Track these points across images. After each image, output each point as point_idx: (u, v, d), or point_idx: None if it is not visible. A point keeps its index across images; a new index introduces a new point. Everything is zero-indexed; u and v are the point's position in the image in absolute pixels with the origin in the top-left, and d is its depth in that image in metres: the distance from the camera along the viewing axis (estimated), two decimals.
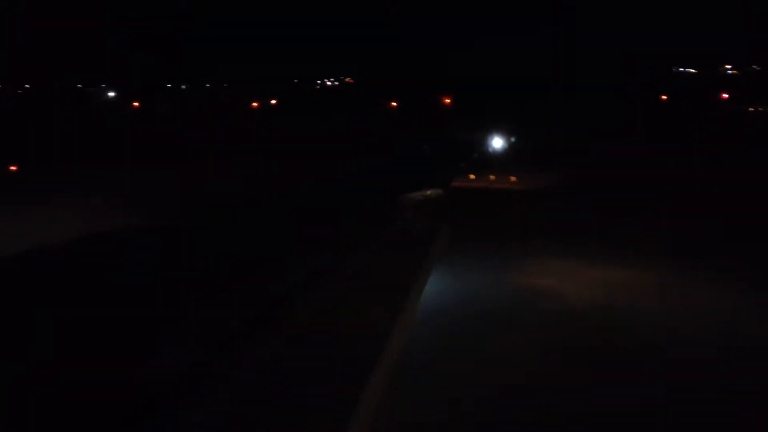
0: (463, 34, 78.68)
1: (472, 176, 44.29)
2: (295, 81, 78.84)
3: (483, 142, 45.42)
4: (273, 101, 71.64)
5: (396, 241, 14.36)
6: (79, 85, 76.60)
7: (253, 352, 7.11)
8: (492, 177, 43.28)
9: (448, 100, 68.46)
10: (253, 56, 78.20)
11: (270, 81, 75.59)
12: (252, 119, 66.73)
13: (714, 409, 13.35)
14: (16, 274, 9.23)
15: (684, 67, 72.09)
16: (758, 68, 70.18)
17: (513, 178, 41.76)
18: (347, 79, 79.27)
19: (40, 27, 70.41)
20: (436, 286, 16.48)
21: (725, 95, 63.79)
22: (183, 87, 78.45)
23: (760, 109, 61.18)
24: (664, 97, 61.23)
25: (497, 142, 46.29)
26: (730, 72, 72.41)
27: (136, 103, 71.52)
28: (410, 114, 64.13)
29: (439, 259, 17.67)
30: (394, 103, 67.84)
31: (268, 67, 77.72)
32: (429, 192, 18.80)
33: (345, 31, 78.36)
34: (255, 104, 70.59)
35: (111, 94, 73.14)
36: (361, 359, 8.06)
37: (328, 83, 79.36)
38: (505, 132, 48.01)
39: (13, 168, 39.92)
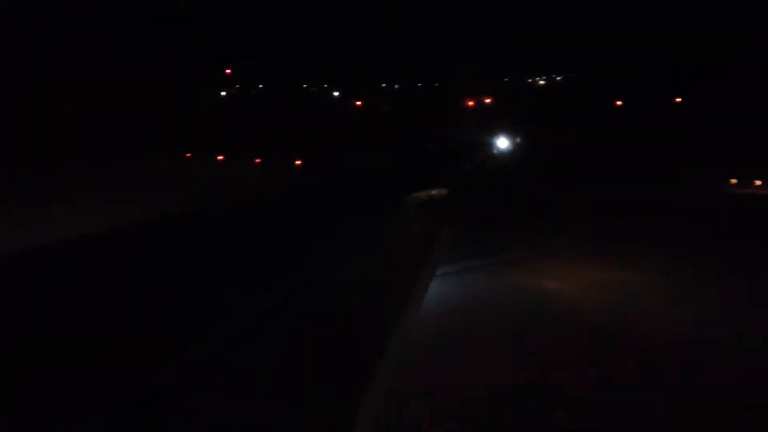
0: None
1: (733, 181, 41.89)
2: (505, 80, 79.50)
3: (488, 142, 43.29)
4: (487, 100, 72.95)
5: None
6: (304, 85, 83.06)
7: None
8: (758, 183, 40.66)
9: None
10: (457, 57, 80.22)
11: (480, 81, 76.99)
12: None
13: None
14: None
15: None
16: None
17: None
18: (557, 78, 78.41)
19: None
20: None
21: None
22: (396, 86, 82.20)
23: None
24: None
25: (503, 142, 44.15)
26: None
27: (358, 102, 76.48)
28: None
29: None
30: (619, 102, 66.28)
31: (472, 66, 79.39)
32: (434, 192, 17.55)
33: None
34: (471, 103, 72.39)
35: (336, 93, 78.59)
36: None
37: (540, 82, 78.98)
38: (511, 132, 45.47)
39: (298, 162, 44.85)
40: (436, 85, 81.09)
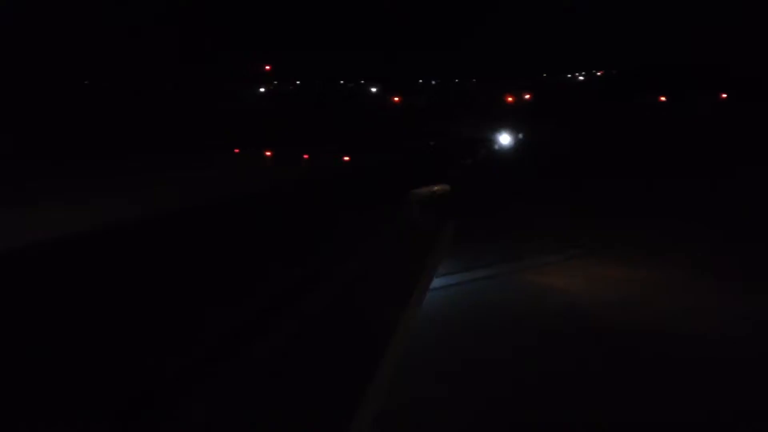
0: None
1: None
2: (544, 75, 79.04)
3: (490, 139, 42.97)
4: (527, 96, 72.64)
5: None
6: (341, 81, 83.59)
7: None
8: None
9: None
10: (499, 53, 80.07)
11: (519, 77, 76.68)
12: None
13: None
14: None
15: None
16: None
17: None
18: (598, 72, 77.69)
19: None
20: None
21: None
22: (433, 82, 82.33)
23: None
24: None
25: (505, 139, 43.73)
26: None
27: (396, 98, 76.80)
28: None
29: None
30: (663, 98, 65.49)
31: (511, 62, 79.25)
32: (436, 188, 17.42)
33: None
34: (510, 99, 72.16)
35: (373, 89, 78.99)
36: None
37: (580, 78, 78.35)
38: (513, 128, 45.00)
39: (346, 158, 45.35)
40: (474, 80, 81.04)
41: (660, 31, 76.57)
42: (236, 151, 47.99)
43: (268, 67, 76.08)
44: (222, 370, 6.12)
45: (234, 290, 7.82)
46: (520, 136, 49.45)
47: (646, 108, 63.12)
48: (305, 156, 45.88)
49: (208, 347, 6.36)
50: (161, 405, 5.27)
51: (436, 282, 15.92)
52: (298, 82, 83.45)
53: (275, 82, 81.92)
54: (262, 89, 78.34)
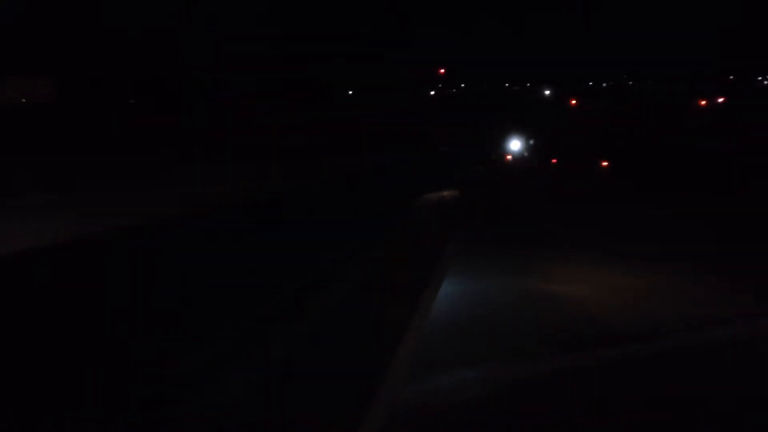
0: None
1: None
2: (731, 77, 74.83)
3: (500, 145, 40.80)
4: (720, 99, 68.87)
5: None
6: (506, 84, 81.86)
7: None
8: None
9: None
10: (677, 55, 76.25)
11: (705, 80, 72.86)
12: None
13: None
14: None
15: None
16: None
17: None
18: None
19: None
20: None
21: None
22: (604, 85, 79.41)
23: None
24: None
25: (515, 144, 41.16)
26: None
27: (573, 101, 74.25)
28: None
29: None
30: None
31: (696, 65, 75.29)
32: (445, 193, 15.77)
33: None
34: (703, 102, 68.63)
35: (546, 92, 76.81)
36: None
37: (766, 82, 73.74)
38: (525, 133, 41.83)
39: (605, 164, 43.48)
40: (649, 82, 77.63)
41: None
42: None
43: (442, 71, 75.10)
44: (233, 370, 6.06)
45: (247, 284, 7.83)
46: (531, 142, 47.69)
47: None
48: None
49: (220, 346, 6.28)
50: (173, 404, 5.11)
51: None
52: (462, 85, 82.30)
53: (439, 85, 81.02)
54: (432, 92, 77.47)
